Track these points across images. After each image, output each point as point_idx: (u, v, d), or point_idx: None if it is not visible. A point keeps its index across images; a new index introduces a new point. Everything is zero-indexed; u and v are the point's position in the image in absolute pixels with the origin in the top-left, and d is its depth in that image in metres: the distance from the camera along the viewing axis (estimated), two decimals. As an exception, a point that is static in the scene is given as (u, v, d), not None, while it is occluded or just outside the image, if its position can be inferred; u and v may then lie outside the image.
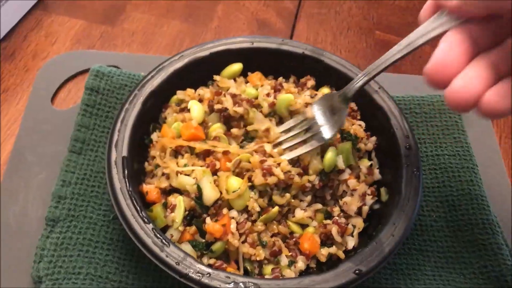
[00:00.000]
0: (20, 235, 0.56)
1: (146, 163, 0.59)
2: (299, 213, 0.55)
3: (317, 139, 0.56)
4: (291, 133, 0.58)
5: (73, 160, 0.60)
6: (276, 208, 0.53)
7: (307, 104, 0.59)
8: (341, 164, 0.56)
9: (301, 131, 0.58)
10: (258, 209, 0.53)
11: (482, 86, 0.39)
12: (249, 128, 0.58)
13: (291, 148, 0.57)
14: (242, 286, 0.46)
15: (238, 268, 0.53)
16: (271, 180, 0.53)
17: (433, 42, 0.43)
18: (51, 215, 0.56)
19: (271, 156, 0.55)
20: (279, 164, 0.54)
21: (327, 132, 0.55)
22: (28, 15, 0.81)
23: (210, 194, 0.52)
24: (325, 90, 0.65)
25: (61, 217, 0.56)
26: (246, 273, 0.53)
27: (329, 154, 0.55)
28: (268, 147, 0.56)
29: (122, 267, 0.54)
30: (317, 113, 0.57)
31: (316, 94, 0.62)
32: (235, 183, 0.53)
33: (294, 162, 0.56)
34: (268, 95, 0.61)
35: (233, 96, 0.60)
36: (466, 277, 0.58)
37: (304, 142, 0.57)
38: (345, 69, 0.64)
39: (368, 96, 0.62)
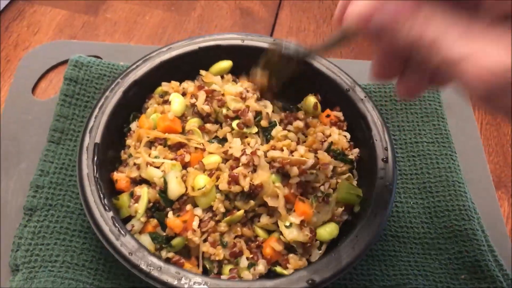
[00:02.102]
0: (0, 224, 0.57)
1: (122, 152, 0.59)
2: (264, 219, 0.54)
3: None
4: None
5: (51, 150, 0.61)
6: (241, 212, 0.53)
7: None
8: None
9: None
10: (223, 210, 0.53)
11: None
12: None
13: None
14: (190, 283, 0.46)
15: (198, 265, 0.53)
16: (235, 189, 0.52)
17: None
18: (29, 204, 0.56)
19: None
20: (255, 170, 0.54)
21: None
22: (10, 5, 0.81)
23: (174, 189, 0.52)
24: (311, 99, 0.64)
25: (38, 206, 0.56)
26: (206, 271, 0.53)
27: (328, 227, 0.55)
28: (237, 152, 0.55)
29: (99, 255, 0.54)
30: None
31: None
32: (202, 181, 0.53)
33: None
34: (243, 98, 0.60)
35: (210, 92, 0.60)
36: (441, 262, 0.58)
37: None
38: (333, 75, 0.63)
39: (353, 104, 0.61)
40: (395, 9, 0.32)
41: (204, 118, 0.60)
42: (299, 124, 0.61)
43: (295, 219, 0.53)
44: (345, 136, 0.61)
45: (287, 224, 0.53)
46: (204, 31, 0.82)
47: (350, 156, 0.59)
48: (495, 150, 0.73)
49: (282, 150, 0.56)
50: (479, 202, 0.64)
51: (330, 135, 0.60)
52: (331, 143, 0.59)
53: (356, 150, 0.60)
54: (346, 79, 0.62)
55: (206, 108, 0.58)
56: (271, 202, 0.53)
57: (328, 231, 0.54)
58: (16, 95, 0.68)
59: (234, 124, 0.58)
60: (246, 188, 0.52)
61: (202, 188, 0.52)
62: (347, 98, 0.61)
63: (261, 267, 0.52)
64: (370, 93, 0.72)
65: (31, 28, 0.79)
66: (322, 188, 0.55)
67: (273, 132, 0.59)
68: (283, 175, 0.55)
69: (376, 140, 0.58)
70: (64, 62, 0.73)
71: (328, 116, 0.63)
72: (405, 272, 0.57)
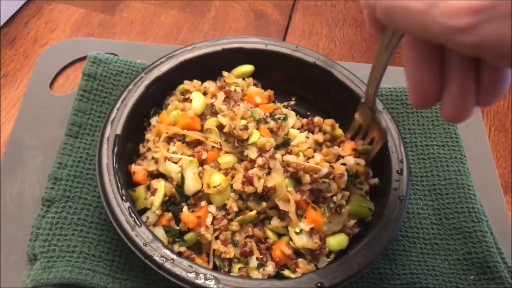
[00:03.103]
0: (17, 215, 0.58)
1: (141, 145, 0.60)
2: (275, 222, 0.55)
3: None
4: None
5: (69, 144, 0.62)
6: (253, 212, 0.54)
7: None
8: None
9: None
10: (236, 209, 0.54)
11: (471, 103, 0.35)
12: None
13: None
14: (202, 277, 0.47)
15: (208, 262, 0.53)
16: (248, 189, 0.53)
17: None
18: (47, 196, 0.57)
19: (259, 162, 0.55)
20: (269, 173, 0.54)
21: None
22: (29, 2, 0.82)
23: (191, 184, 0.53)
24: (329, 121, 0.63)
25: (56, 198, 0.57)
26: (215, 268, 0.53)
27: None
28: (253, 154, 0.56)
29: (115, 247, 0.55)
30: None
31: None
32: (217, 179, 0.54)
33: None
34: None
35: (229, 93, 0.61)
36: (450, 263, 0.59)
37: None
38: (353, 85, 0.63)
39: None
40: None
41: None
42: (319, 137, 0.60)
43: (305, 225, 0.53)
44: (359, 163, 0.59)
45: (297, 230, 0.53)
46: (218, 32, 0.84)
47: (364, 185, 0.59)
48: (503, 155, 0.74)
49: (298, 155, 0.57)
50: (488, 205, 0.65)
51: (343, 157, 0.59)
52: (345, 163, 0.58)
53: (376, 180, 0.60)
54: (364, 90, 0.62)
55: (224, 108, 0.59)
56: (282, 206, 0.54)
57: (338, 241, 0.55)
58: (34, 90, 0.69)
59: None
60: (260, 190, 0.53)
61: (218, 186, 0.53)
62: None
63: (270, 268, 0.53)
64: (381, 96, 0.73)
65: (49, 25, 0.80)
66: (335, 198, 0.56)
67: (293, 138, 0.59)
68: (297, 180, 0.55)
69: (392, 152, 0.58)
70: (81, 59, 0.74)
71: (354, 149, 0.61)
72: (415, 271, 0.58)
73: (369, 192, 0.60)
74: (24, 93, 0.69)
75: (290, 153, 0.57)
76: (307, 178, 0.54)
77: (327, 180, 0.55)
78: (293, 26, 0.87)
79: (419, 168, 0.67)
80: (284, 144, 0.58)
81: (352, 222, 0.56)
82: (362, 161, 0.58)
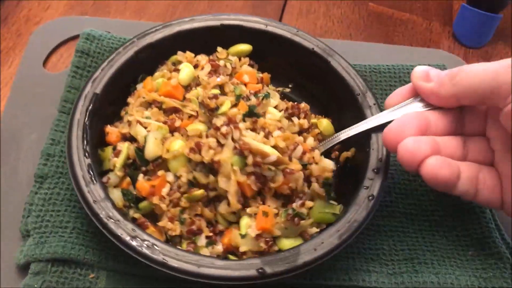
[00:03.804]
0: (10, 192, 0.57)
1: (122, 109, 0.60)
2: (223, 207, 0.52)
3: None
4: None
5: (62, 120, 0.61)
6: (200, 191, 0.51)
7: None
8: None
9: None
10: (185, 179, 0.51)
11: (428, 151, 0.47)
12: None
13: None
14: (140, 241, 0.46)
15: (163, 233, 0.52)
16: (194, 157, 0.50)
17: None
18: (40, 172, 0.57)
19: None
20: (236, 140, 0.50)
21: None
22: (22, -19, 0.81)
23: (151, 149, 0.52)
24: (324, 122, 0.62)
25: (49, 174, 0.57)
26: (167, 241, 0.52)
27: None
28: (219, 122, 0.52)
29: (109, 223, 0.55)
30: None
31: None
32: (177, 145, 0.52)
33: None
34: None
35: (216, 66, 0.60)
36: (449, 239, 0.59)
37: None
38: (348, 77, 0.60)
39: (359, 109, 0.58)
40: None
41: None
42: (304, 123, 0.59)
43: (251, 231, 0.50)
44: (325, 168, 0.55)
45: (243, 233, 0.50)
46: (214, 11, 0.82)
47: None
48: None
49: (262, 130, 0.53)
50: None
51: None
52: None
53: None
54: (360, 83, 0.60)
55: (210, 80, 0.58)
56: (222, 184, 0.50)
57: (292, 242, 0.51)
58: (27, 69, 0.68)
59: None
60: (206, 160, 0.50)
61: (175, 151, 0.52)
62: (355, 102, 0.59)
63: (220, 247, 0.51)
64: (379, 74, 0.72)
65: (42, 4, 0.79)
66: (294, 205, 0.52)
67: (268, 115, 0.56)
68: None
69: (373, 149, 0.55)
70: (75, 37, 0.73)
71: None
72: (413, 247, 0.57)
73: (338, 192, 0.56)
74: (17, 72, 0.68)
75: (255, 126, 0.53)
76: (250, 159, 0.50)
77: (273, 168, 0.51)
78: (290, 4, 0.86)
79: (418, 145, 0.66)
80: (251, 114, 0.54)
81: (315, 230, 0.52)
82: (329, 165, 0.55)
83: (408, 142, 0.47)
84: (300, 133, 0.59)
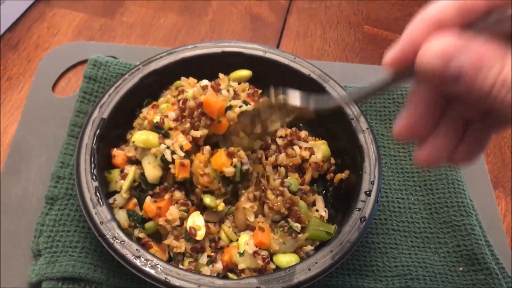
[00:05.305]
0: (21, 213, 0.60)
1: (128, 132, 0.63)
2: (227, 226, 0.56)
3: None
4: None
5: (71, 144, 0.64)
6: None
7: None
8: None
9: None
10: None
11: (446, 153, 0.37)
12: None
13: None
14: (144, 261, 0.48)
15: (166, 253, 0.55)
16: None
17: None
18: (50, 194, 0.60)
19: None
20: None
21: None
22: (32, 7, 0.85)
23: (150, 173, 0.55)
24: (322, 146, 0.64)
25: (59, 196, 0.60)
26: (170, 259, 0.55)
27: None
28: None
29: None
30: None
31: None
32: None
33: None
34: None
35: (217, 90, 0.62)
36: (440, 255, 0.61)
37: None
38: (343, 103, 0.61)
39: (354, 135, 0.61)
40: (482, 51, 0.29)
41: None
42: (306, 154, 0.62)
43: (249, 248, 0.52)
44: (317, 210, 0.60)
45: (241, 251, 0.53)
46: (216, 35, 0.86)
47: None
48: (493, 151, 0.76)
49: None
50: (477, 200, 0.67)
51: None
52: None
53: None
54: (353, 108, 0.63)
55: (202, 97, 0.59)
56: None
57: (288, 260, 0.53)
58: (37, 93, 0.72)
59: None
60: (204, 182, 0.54)
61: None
62: (349, 127, 0.62)
63: (220, 265, 0.53)
64: (374, 95, 0.75)
65: (51, 29, 0.83)
66: (290, 219, 0.55)
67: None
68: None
69: (365, 172, 0.57)
70: (83, 62, 0.76)
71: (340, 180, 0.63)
72: (406, 264, 0.60)
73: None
74: (27, 96, 0.71)
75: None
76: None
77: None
78: (288, 28, 0.90)
79: (410, 165, 0.69)
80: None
81: (310, 248, 0.55)
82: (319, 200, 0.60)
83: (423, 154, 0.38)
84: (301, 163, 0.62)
